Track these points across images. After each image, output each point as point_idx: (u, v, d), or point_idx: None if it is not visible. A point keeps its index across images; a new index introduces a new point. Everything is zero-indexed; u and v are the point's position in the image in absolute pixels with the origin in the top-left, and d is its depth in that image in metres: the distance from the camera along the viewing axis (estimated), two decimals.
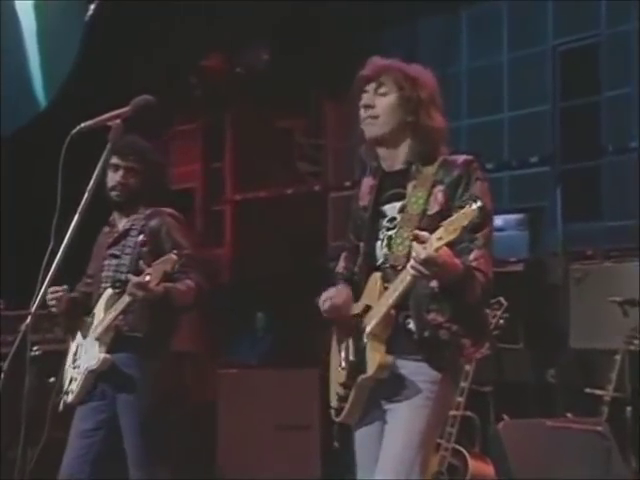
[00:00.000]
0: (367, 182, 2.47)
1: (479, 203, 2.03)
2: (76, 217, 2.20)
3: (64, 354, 3.35)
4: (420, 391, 2.25)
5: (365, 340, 2.27)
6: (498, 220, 4.84)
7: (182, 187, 7.83)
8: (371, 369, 2.23)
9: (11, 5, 6.77)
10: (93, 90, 5.89)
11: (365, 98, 2.34)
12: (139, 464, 3.06)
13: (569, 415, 3.74)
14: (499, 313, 3.69)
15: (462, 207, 2.18)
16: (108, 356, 3.09)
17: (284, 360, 5.47)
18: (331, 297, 2.35)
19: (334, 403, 2.38)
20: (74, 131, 2.27)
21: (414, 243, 2.10)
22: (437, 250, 2.05)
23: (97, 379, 3.12)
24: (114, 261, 3.20)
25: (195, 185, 7.74)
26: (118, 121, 2.30)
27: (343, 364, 2.35)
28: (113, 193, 3.19)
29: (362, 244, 2.40)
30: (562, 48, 5.24)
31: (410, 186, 2.31)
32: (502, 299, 3.72)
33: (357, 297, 2.39)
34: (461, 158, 2.31)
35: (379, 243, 2.34)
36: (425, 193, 2.27)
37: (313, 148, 6.53)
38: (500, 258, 4.56)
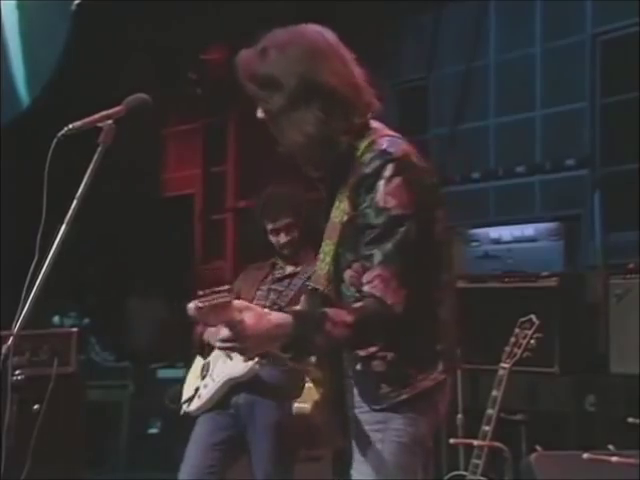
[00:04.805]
0: None
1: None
2: (63, 228, 2.23)
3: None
4: (370, 435, 2.10)
5: None
6: (529, 229, 4.86)
7: (180, 193, 7.90)
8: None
9: None
10: (82, 88, 5.98)
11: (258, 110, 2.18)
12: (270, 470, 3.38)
13: (610, 447, 3.74)
14: (530, 333, 3.70)
15: (364, 215, 2.04)
16: (256, 366, 3.35)
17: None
18: None
19: None
20: (61, 133, 2.29)
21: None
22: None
23: (233, 389, 3.39)
24: (275, 295, 3.55)
25: (194, 191, 7.81)
26: (110, 122, 2.34)
27: None
28: (284, 252, 3.61)
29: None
30: (603, 37, 5.25)
31: (340, 185, 2.12)
32: (534, 317, 3.73)
33: None
34: (370, 152, 2.06)
35: None
36: (345, 195, 2.09)
37: None
38: (532, 272, 4.59)
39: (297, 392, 3.17)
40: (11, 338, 2.18)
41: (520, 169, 5.46)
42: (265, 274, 3.68)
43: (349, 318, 1.96)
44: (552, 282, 4.47)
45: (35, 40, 6.95)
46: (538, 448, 3.83)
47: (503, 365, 3.72)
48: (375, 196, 2.01)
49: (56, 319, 6.81)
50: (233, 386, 3.42)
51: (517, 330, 3.74)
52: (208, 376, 3.50)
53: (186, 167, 7.92)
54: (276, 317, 1.95)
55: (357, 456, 2.14)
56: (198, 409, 3.48)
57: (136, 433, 6.22)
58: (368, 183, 2.03)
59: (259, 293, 3.60)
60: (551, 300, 4.39)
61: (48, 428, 3.88)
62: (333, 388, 2.13)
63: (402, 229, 2.00)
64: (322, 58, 2.11)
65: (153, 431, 6.23)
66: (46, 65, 6.73)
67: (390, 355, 2.08)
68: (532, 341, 3.70)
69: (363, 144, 2.10)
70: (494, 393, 3.71)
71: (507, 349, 3.74)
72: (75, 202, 2.26)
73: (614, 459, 3.30)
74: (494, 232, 4.95)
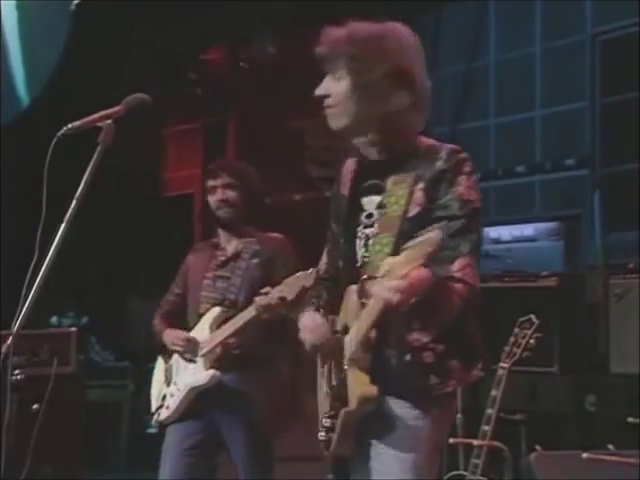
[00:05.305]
0: (349, 165, 2.38)
1: (439, 235, 1.92)
2: (62, 227, 2.24)
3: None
4: (406, 431, 2.15)
5: (345, 367, 2.17)
6: (529, 229, 4.86)
7: (180, 193, 7.89)
8: (353, 403, 2.13)
9: None
10: (82, 88, 5.98)
11: (321, 85, 2.23)
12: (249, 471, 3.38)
13: (610, 447, 3.75)
14: (529, 332, 3.70)
15: (447, 207, 2.12)
16: (217, 373, 3.34)
17: (292, 383, 5.50)
18: (310, 330, 2.27)
19: (321, 434, 2.29)
20: (60, 132, 2.30)
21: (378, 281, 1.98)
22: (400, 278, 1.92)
23: (199, 397, 3.36)
24: (223, 284, 3.46)
25: (194, 191, 7.80)
26: (109, 122, 2.34)
27: (326, 390, 2.28)
28: (219, 212, 3.51)
29: (342, 240, 2.31)
30: (602, 37, 5.25)
31: (390, 181, 2.19)
32: (533, 317, 3.73)
33: (340, 302, 2.29)
34: (444, 149, 2.19)
35: (358, 242, 2.25)
36: (406, 191, 2.15)
37: (325, 150, 6.57)
38: (531, 271, 4.59)
39: (264, 396, 3.24)
40: (11, 338, 2.18)
41: (520, 169, 5.46)
42: (208, 257, 3.56)
43: (465, 295, 2.09)
44: (552, 282, 4.47)
45: (35, 40, 6.96)
46: (538, 448, 3.83)
47: (502, 365, 3.72)
48: (457, 189, 2.13)
49: (55, 319, 6.82)
50: (199, 393, 3.38)
51: (517, 330, 3.74)
52: (173, 384, 3.47)
53: (186, 167, 7.92)
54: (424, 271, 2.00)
55: (390, 451, 2.16)
56: (168, 418, 3.46)
57: (136, 433, 6.21)
58: (449, 177, 2.14)
59: (205, 282, 3.50)
60: (551, 300, 4.39)
61: (48, 428, 3.89)
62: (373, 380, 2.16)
63: (480, 224, 2.16)
64: (413, 54, 2.25)
65: (153, 431, 6.22)
66: (46, 65, 6.74)
67: (440, 347, 2.15)
68: (532, 341, 3.70)
69: (422, 145, 2.23)
70: (494, 393, 3.71)
71: (507, 349, 3.74)
72: (75, 202, 2.26)
73: (614, 459, 3.30)
74: (494, 232, 4.94)
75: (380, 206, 2.21)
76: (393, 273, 1.93)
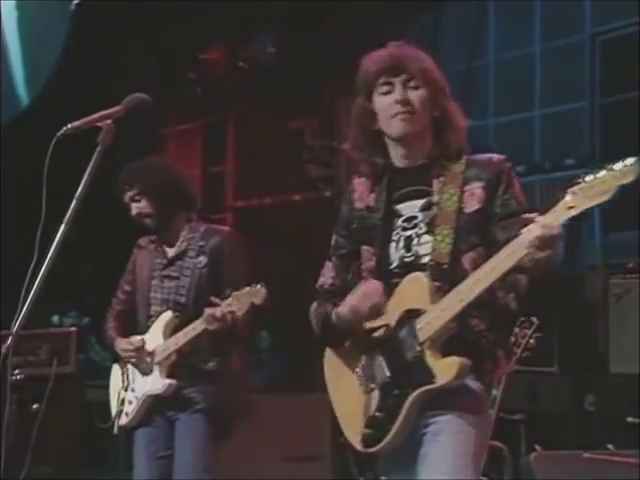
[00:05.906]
0: (361, 182, 2.53)
1: (634, 158, 1.98)
2: (62, 227, 2.24)
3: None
4: (465, 408, 2.27)
5: (418, 348, 2.26)
6: None
7: None
8: (446, 376, 2.21)
9: None
10: (82, 88, 5.99)
11: (397, 92, 2.39)
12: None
13: (610, 447, 3.75)
14: (529, 332, 3.70)
15: (507, 205, 2.32)
16: (173, 382, 3.31)
17: (292, 384, 5.50)
18: (369, 297, 2.34)
19: (366, 431, 2.35)
20: (60, 132, 2.30)
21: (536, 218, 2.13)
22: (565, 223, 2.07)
23: (157, 402, 3.35)
24: (171, 283, 3.41)
25: (193, 191, 7.79)
26: (109, 122, 2.34)
27: (372, 385, 2.35)
28: (148, 224, 3.44)
29: (369, 247, 2.44)
30: (602, 37, 5.26)
31: (437, 183, 2.39)
32: (533, 317, 3.73)
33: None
34: (494, 156, 2.43)
35: (393, 245, 2.40)
36: (457, 190, 2.36)
37: (324, 150, 6.58)
38: None
39: (215, 403, 3.25)
40: (11, 338, 2.18)
41: (520, 169, 5.45)
42: (154, 254, 3.49)
43: None
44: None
45: (35, 40, 6.97)
46: (537, 448, 3.83)
47: None
48: (514, 190, 2.37)
49: (56, 319, 6.81)
50: (156, 400, 3.37)
51: (516, 330, 3.73)
52: (130, 390, 3.46)
53: (185, 167, 7.89)
54: None
55: (446, 438, 2.25)
56: (128, 423, 3.46)
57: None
58: (506, 179, 2.38)
59: (153, 282, 3.45)
60: (551, 300, 4.38)
61: (48, 428, 3.88)
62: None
63: None
64: None
65: None
66: (45, 65, 6.75)
67: (492, 336, 2.32)
68: (531, 341, 3.70)
69: (461, 151, 2.45)
70: (493, 393, 3.70)
71: None
72: (74, 202, 2.26)
73: (614, 459, 3.30)
74: None
75: (426, 207, 2.38)
76: (580, 204, 2.04)
